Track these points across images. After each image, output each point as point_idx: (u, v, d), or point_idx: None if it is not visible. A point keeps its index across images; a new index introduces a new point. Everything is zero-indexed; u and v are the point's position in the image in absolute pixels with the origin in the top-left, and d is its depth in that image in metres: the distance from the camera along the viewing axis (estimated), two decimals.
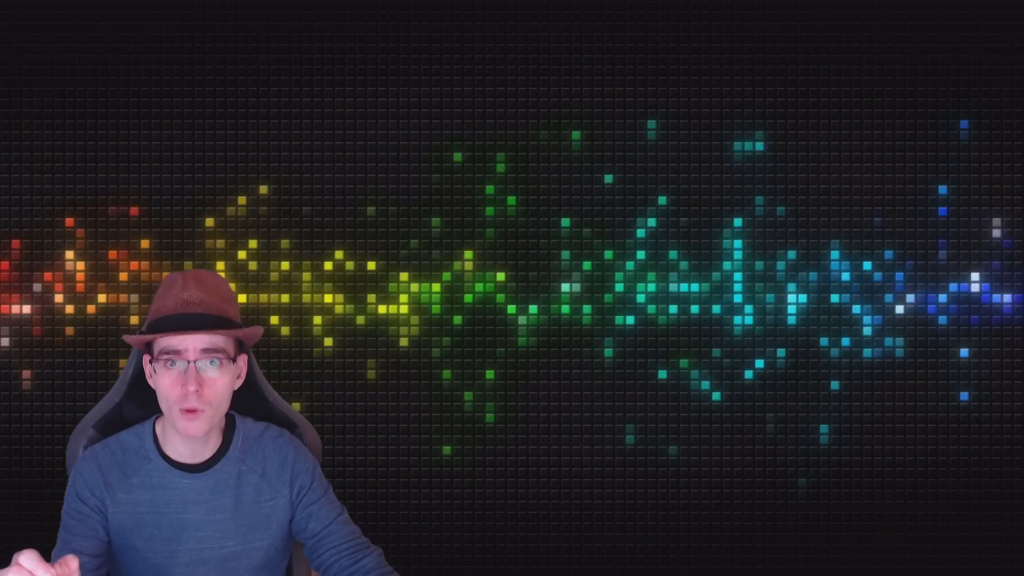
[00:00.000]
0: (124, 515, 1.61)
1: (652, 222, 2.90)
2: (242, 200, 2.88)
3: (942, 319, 2.90)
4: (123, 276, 2.89)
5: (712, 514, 2.93)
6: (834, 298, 2.90)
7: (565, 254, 2.90)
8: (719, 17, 2.89)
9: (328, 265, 2.91)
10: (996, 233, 2.88)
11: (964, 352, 2.89)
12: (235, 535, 1.65)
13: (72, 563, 1.11)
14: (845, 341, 2.90)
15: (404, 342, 2.91)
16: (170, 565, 1.62)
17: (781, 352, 2.90)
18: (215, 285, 1.60)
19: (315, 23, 2.89)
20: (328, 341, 2.91)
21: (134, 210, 2.88)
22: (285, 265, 2.90)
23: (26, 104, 2.87)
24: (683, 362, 2.89)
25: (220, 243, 2.89)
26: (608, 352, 2.91)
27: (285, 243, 2.90)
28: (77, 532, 1.58)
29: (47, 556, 1.57)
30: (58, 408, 2.88)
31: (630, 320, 2.91)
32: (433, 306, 2.91)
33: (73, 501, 1.60)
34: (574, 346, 2.92)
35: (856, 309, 2.90)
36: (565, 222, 2.90)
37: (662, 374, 2.90)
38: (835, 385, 2.90)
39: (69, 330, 2.88)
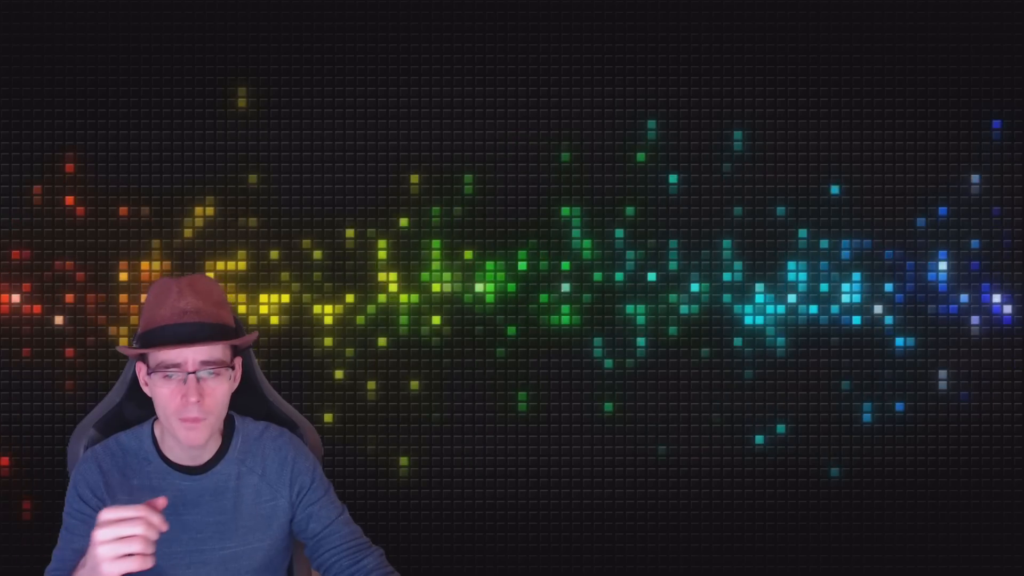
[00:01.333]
0: None
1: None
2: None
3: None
4: (123, 276, 2.89)
5: (713, 515, 2.94)
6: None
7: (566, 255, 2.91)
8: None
9: (317, 255, 2.91)
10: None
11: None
12: (235, 536, 1.64)
13: (160, 502, 1.26)
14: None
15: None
16: (171, 566, 1.62)
17: (781, 341, 2.91)
18: (209, 290, 1.58)
19: (314, 23, 2.89)
20: (328, 341, 2.91)
21: (123, 210, 2.89)
22: (285, 275, 2.90)
23: (25, 104, 2.87)
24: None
25: (219, 241, 2.90)
26: (607, 362, 2.92)
27: (286, 230, 2.90)
28: (79, 532, 1.58)
29: (48, 557, 1.58)
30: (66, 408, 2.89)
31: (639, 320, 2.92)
32: (434, 304, 2.92)
33: (75, 502, 1.60)
34: (573, 346, 2.92)
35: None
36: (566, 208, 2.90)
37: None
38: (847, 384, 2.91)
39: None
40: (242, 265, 2.89)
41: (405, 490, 2.92)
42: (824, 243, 2.89)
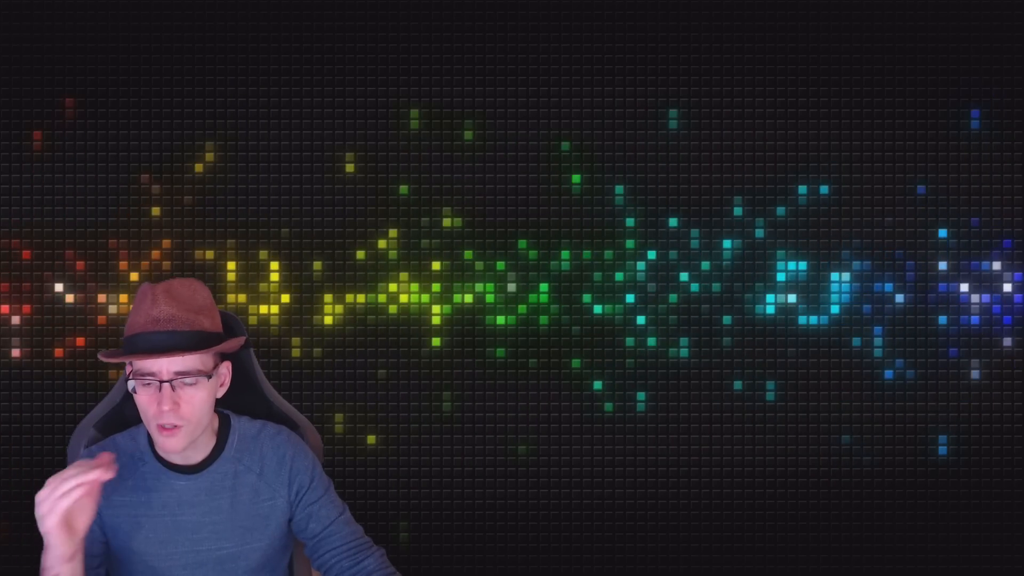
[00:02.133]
0: (119, 517, 1.60)
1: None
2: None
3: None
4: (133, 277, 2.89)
5: (723, 515, 2.93)
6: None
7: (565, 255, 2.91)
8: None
9: (317, 266, 2.90)
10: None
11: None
12: (232, 536, 1.64)
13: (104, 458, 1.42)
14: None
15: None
16: (167, 567, 1.62)
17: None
18: (188, 296, 1.54)
19: (315, 23, 2.89)
20: (319, 347, 2.91)
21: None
22: (275, 266, 2.90)
23: (25, 105, 2.87)
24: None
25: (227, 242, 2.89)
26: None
27: (285, 230, 2.89)
28: None
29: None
30: (57, 409, 2.89)
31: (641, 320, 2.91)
32: (433, 304, 2.91)
33: None
34: (569, 346, 2.92)
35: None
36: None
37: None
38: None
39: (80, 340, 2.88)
40: (239, 264, 2.89)
41: (405, 490, 2.92)
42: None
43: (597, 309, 2.90)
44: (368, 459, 2.91)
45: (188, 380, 1.51)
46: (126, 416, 1.75)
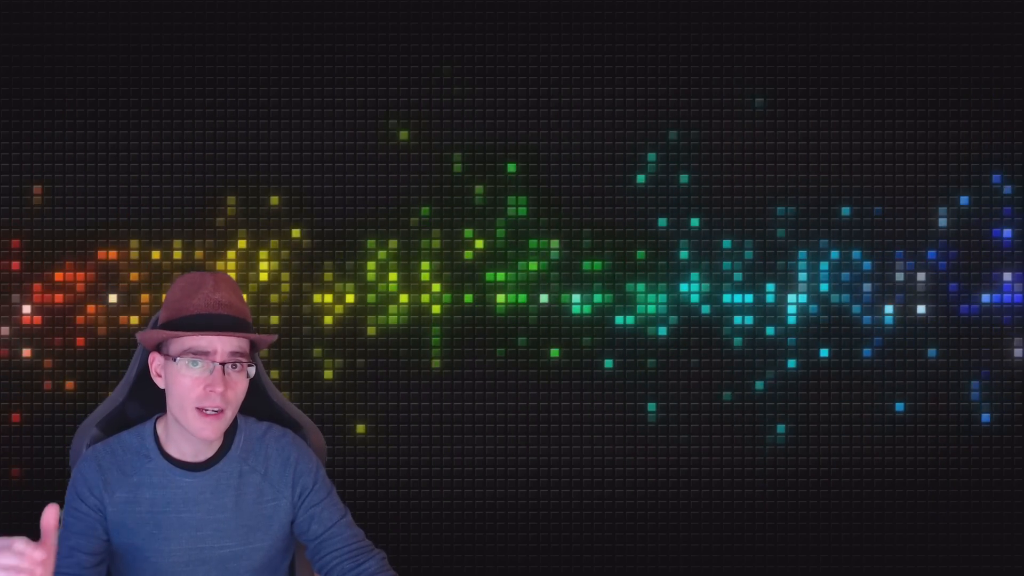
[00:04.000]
0: (123, 514, 1.61)
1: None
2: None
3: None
4: (134, 276, 2.89)
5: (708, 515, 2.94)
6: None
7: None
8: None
9: (327, 264, 2.91)
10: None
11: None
12: (236, 535, 1.64)
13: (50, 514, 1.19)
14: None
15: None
16: (170, 565, 1.62)
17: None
18: (235, 288, 1.61)
19: (322, 23, 2.89)
20: (323, 345, 2.91)
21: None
22: (275, 266, 2.90)
23: (25, 104, 2.87)
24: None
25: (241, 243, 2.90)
26: (609, 363, 2.92)
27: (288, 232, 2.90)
28: (76, 530, 1.59)
29: None
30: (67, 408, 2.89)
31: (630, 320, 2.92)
32: (432, 300, 2.91)
33: (73, 500, 1.61)
34: (573, 345, 2.92)
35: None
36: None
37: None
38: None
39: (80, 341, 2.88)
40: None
41: (405, 490, 2.92)
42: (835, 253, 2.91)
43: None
44: (367, 458, 2.91)
45: (237, 365, 1.55)
46: (128, 416, 1.76)
